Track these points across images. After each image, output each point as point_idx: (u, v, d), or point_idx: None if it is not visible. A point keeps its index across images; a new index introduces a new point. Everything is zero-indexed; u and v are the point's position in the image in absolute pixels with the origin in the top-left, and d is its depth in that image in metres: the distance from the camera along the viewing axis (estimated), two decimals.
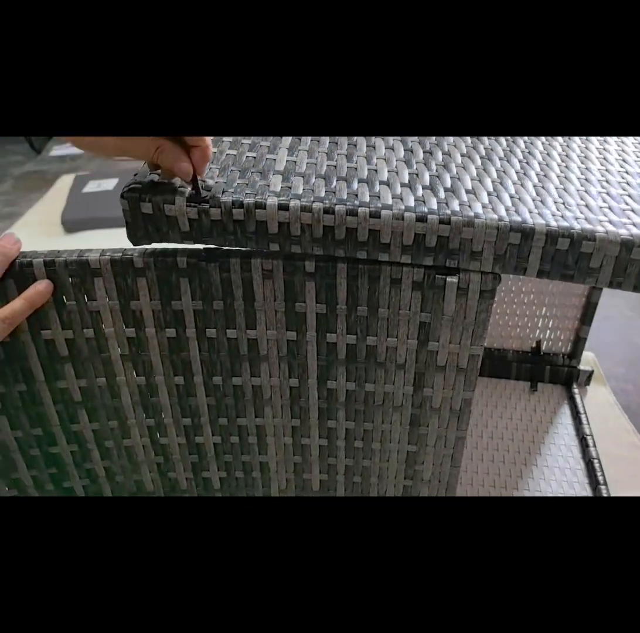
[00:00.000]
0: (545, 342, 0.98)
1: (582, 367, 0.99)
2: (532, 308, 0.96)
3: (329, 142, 0.50)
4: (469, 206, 0.43)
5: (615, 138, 0.54)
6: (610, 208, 0.44)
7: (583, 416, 0.91)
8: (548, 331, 0.97)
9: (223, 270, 0.45)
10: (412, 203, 0.43)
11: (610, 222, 0.42)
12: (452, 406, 0.51)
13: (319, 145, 0.50)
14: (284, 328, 0.48)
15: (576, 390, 0.97)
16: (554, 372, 0.99)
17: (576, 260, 0.42)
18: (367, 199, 0.43)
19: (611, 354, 1.08)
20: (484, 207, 0.43)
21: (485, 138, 0.53)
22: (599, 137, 0.54)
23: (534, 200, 0.44)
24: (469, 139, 0.52)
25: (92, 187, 1.52)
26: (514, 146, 0.52)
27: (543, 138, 0.53)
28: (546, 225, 0.41)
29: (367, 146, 0.50)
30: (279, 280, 0.45)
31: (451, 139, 0.52)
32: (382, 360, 0.49)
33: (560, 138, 0.54)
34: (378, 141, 0.51)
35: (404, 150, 0.50)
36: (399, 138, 0.52)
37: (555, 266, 0.42)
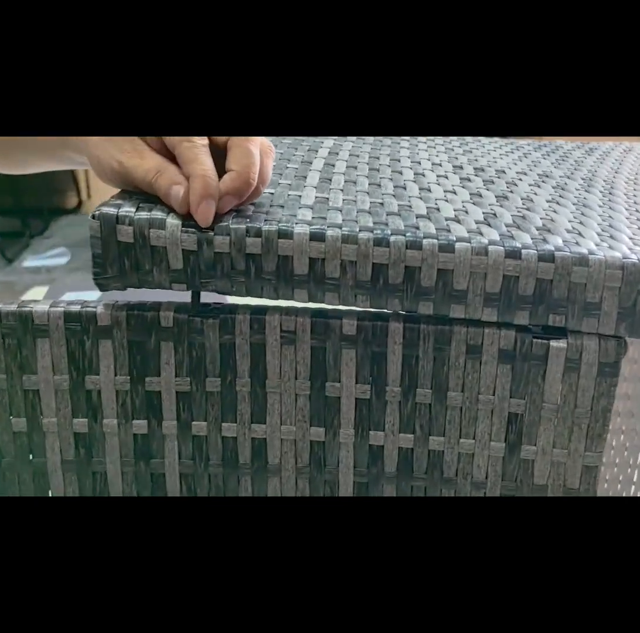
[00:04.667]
0: None
1: None
2: None
3: (369, 184, 0.46)
4: (577, 243, 0.37)
5: None
6: None
7: None
8: None
9: (224, 331, 0.39)
10: (496, 236, 0.37)
11: None
12: None
13: (355, 185, 0.45)
14: (308, 423, 0.40)
15: None
16: None
17: None
18: (433, 231, 0.37)
19: None
20: (597, 245, 0.37)
21: (555, 172, 0.51)
22: None
23: None
24: (534, 174, 0.51)
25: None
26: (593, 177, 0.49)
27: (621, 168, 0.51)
28: None
29: (419, 189, 0.46)
30: (304, 346, 0.39)
31: (513, 172, 0.48)
32: (452, 476, 0.40)
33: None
34: (431, 184, 0.47)
35: (470, 193, 0.46)
36: (451, 171, 0.50)
37: None
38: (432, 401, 0.39)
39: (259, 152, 0.38)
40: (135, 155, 0.38)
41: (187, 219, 0.36)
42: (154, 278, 0.38)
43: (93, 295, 1.46)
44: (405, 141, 0.62)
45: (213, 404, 0.40)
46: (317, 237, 0.37)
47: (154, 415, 0.41)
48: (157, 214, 0.37)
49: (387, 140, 0.62)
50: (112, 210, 0.36)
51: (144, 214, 0.37)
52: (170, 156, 0.38)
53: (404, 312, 0.39)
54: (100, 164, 0.39)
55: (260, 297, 0.38)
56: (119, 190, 0.41)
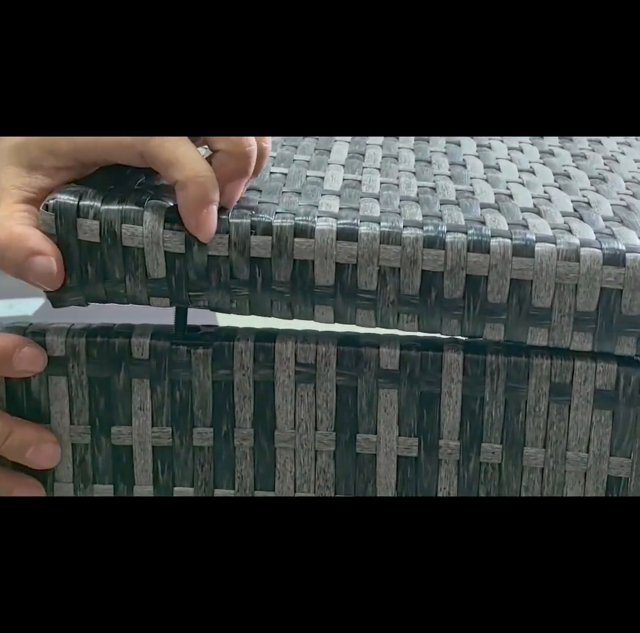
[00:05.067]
0: None
1: None
2: None
3: (416, 160, 0.48)
4: None
5: None
6: None
7: None
8: None
9: (219, 365, 0.41)
10: (591, 235, 0.39)
11: None
12: None
13: (397, 163, 0.48)
14: (331, 489, 0.42)
15: None
16: None
17: None
18: (505, 227, 0.39)
19: None
20: None
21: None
22: None
23: None
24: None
25: (1, 309, 1.53)
26: None
27: None
28: None
29: (484, 167, 0.49)
30: (327, 385, 0.41)
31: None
32: None
33: None
34: (500, 160, 0.49)
35: (553, 173, 0.47)
36: (526, 141, 0.52)
37: None
38: (502, 460, 0.40)
39: None
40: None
41: (172, 212, 0.38)
42: (126, 290, 0.39)
43: (30, 305, 1.47)
44: None
45: (202, 463, 0.42)
46: (346, 234, 0.38)
47: (122, 477, 0.42)
48: (132, 205, 0.39)
49: None
50: (71, 199, 0.38)
51: (113, 205, 0.38)
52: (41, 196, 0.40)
53: (464, 338, 0.40)
54: None
55: (269, 316, 0.40)
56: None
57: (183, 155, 0.38)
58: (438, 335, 0.40)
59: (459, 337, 0.40)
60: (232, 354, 0.41)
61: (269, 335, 0.41)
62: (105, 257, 0.39)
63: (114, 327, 0.42)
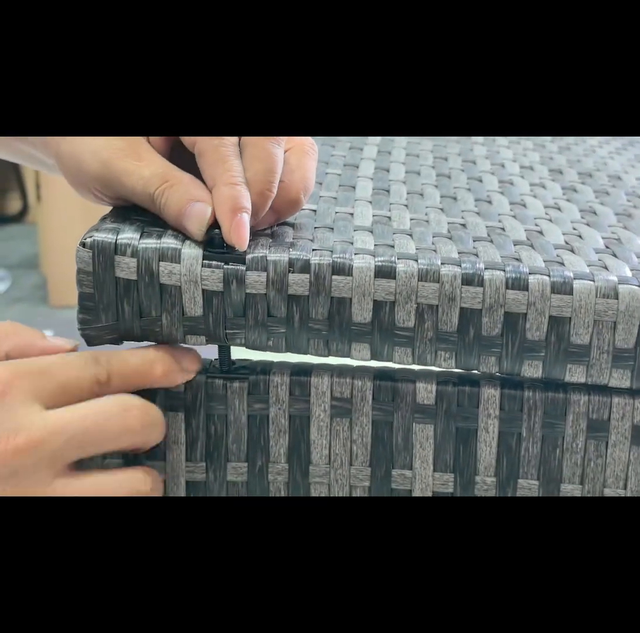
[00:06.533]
0: None
1: None
2: None
3: (442, 196, 0.48)
4: None
5: None
6: None
7: None
8: None
9: (255, 399, 0.40)
10: (627, 272, 0.39)
11: None
12: None
13: (423, 199, 0.47)
14: None
15: None
16: None
17: None
18: (541, 264, 0.38)
19: None
20: None
21: None
22: None
23: None
24: None
25: None
26: None
27: None
28: None
29: (510, 203, 0.48)
30: (363, 420, 0.40)
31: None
32: None
33: None
34: (525, 196, 0.49)
35: (579, 210, 0.46)
36: (547, 177, 0.51)
37: None
38: (539, 497, 0.39)
39: (282, 152, 0.38)
40: (129, 154, 0.38)
41: (210, 248, 0.37)
42: (162, 328, 0.38)
43: None
44: None
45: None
46: (384, 272, 0.37)
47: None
48: (170, 241, 0.37)
49: None
50: (109, 237, 0.37)
51: (151, 242, 0.37)
52: (179, 163, 0.39)
53: (501, 375, 0.39)
54: (76, 164, 0.39)
55: (306, 353, 0.39)
56: (110, 206, 0.41)
57: (230, 161, 0.37)
58: (475, 372, 0.39)
59: (497, 374, 0.39)
60: (268, 388, 0.39)
61: (305, 370, 0.40)
62: (141, 294, 0.38)
63: None
